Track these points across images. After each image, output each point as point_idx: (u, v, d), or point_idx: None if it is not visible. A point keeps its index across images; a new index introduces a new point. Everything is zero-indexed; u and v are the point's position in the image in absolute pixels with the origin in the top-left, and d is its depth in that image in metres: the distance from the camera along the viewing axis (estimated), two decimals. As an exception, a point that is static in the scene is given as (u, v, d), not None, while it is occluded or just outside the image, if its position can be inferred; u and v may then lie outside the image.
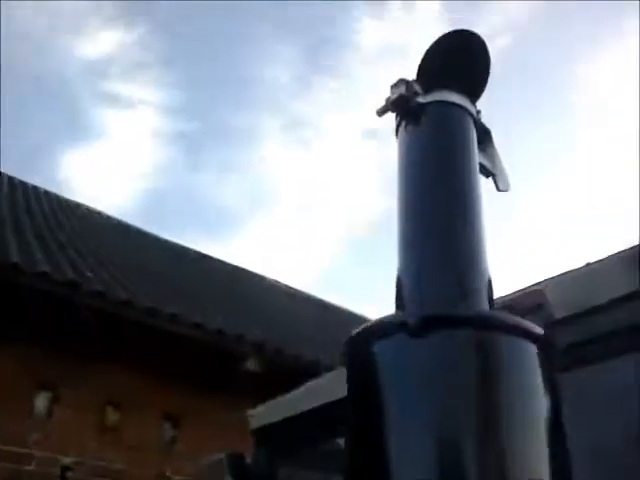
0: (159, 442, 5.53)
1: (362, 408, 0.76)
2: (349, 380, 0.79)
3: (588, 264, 1.69)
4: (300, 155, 21.04)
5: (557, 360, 0.80)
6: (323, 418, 2.03)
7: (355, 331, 0.78)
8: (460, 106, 0.99)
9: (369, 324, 0.78)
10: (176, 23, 17.74)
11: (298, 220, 23.23)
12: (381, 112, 1.03)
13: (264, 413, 2.55)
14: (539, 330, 0.75)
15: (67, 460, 4.95)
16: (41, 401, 4.96)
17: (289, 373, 5.74)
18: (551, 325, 1.62)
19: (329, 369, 5.62)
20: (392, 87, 1.01)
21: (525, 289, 1.80)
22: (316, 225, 22.97)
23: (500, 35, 16.19)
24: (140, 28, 19.29)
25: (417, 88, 1.00)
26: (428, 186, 0.95)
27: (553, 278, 1.74)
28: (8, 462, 4.64)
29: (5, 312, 4.69)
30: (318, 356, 6.11)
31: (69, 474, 4.92)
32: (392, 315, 0.79)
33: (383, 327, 0.76)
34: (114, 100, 20.14)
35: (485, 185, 1.07)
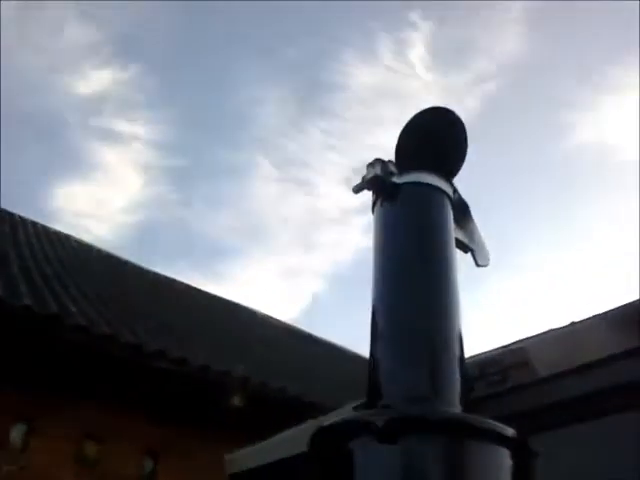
0: (138, 476, 5.46)
1: None
2: (316, 477, 0.77)
3: (573, 323, 1.69)
4: (290, 192, 21.20)
5: (533, 462, 0.77)
6: (301, 467, 2.02)
7: (323, 425, 0.77)
8: (435, 187, 1.02)
9: (337, 421, 0.77)
10: (169, 63, 18.04)
11: (287, 255, 23.27)
12: (357, 190, 1.06)
13: (242, 458, 2.52)
14: (512, 433, 0.72)
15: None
16: (16, 433, 4.91)
17: (273, 408, 5.72)
18: (535, 383, 1.63)
19: (313, 405, 5.61)
20: (368, 166, 1.05)
21: (508, 346, 1.81)
22: (304, 261, 23.01)
23: (487, 80, 16.52)
24: (134, 67, 19.56)
25: (392, 168, 1.03)
26: (403, 267, 0.96)
27: (537, 336, 1.74)
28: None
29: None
30: (302, 391, 6.09)
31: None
32: (360, 414, 0.79)
33: (350, 427, 0.74)
34: (107, 136, 20.32)
35: (464, 259, 1.10)
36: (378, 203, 1.06)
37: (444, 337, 0.84)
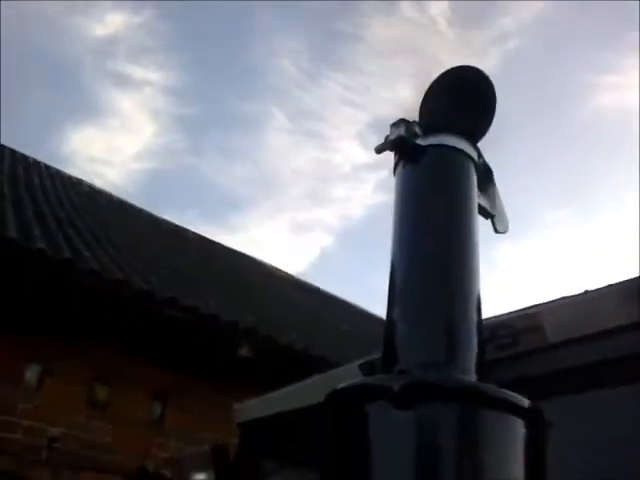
0: (147, 419, 5.61)
1: (343, 474, 0.75)
2: (331, 439, 0.78)
3: (587, 291, 1.68)
4: (303, 145, 21.03)
5: (547, 432, 0.78)
6: (312, 418, 2.05)
7: (338, 388, 0.77)
8: (460, 150, 0.98)
9: (353, 384, 0.77)
10: (183, 8, 17.69)
11: (298, 209, 23.24)
12: (379, 150, 1.03)
13: (251, 407, 2.56)
14: (527, 404, 0.73)
15: (55, 431, 5.02)
16: (32, 373, 5.03)
17: (280, 359, 5.82)
18: (546, 348, 1.64)
19: (320, 359, 5.69)
20: (392, 126, 1.00)
21: (522, 311, 1.81)
22: (314, 215, 23.00)
23: (509, 37, 16.10)
24: (147, 11, 19.26)
25: (417, 130, 0.99)
26: (424, 230, 0.94)
27: (551, 302, 1.73)
28: (-5, 429, 4.72)
29: (0, 286, 4.75)
30: (309, 344, 6.18)
31: (56, 445, 5.00)
32: (376, 378, 0.78)
33: (366, 390, 0.74)
34: (120, 80, 20.17)
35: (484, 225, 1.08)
36: (400, 165, 1.03)
37: (463, 301, 0.83)
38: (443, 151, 0.99)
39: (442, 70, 1.16)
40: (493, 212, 1.10)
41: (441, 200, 0.96)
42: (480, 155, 1.06)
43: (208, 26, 18.69)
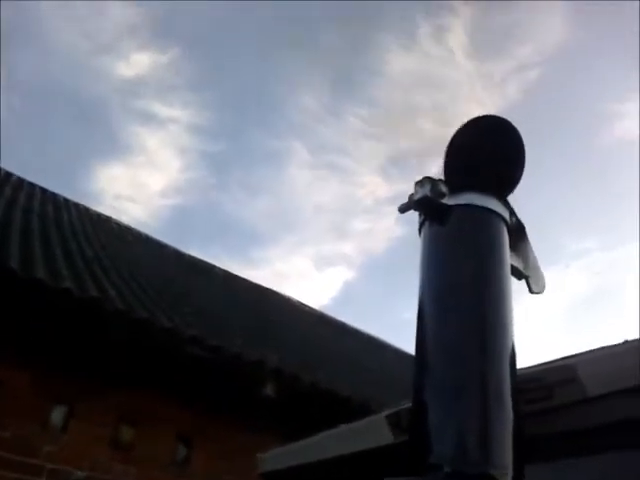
0: (172, 461, 5.54)
1: None
2: None
3: (626, 341, 1.61)
4: (325, 179, 21.17)
5: None
6: (336, 470, 1.99)
7: None
8: (489, 210, 0.94)
9: None
10: (207, 47, 18.12)
11: (321, 242, 23.29)
12: (403, 210, 0.99)
13: (275, 457, 2.51)
14: None
15: (79, 474, 4.98)
16: (57, 415, 5.02)
17: (305, 399, 5.74)
18: (584, 401, 1.55)
19: (346, 400, 5.59)
20: (416, 184, 0.97)
21: (554, 362, 1.73)
22: (338, 249, 23.01)
23: (529, 68, 16.09)
24: (172, 50, 19.76)
25: (443, 189, 0.96)
26: (453, 299, 0.88)
27: (583, 354, 1.66)
28: (20, 473, 4.69)
29: (26, 325, 4.78)
30: (334, 384, 6.08)
31: (81, 488, 4.95)
32: None
33: None
34: (146, 118, 20.64)
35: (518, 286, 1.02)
36: (426, 225, 0.99)
37: (499, 383, 0.76)
38: (471, 211, 0.95)
39: (470, 114, 1.11)
40: (527, 272, 1.04)
41: (470, 265, 0.91)
42: (512, 212, 1.01)
43: (231, 64, 19.08)
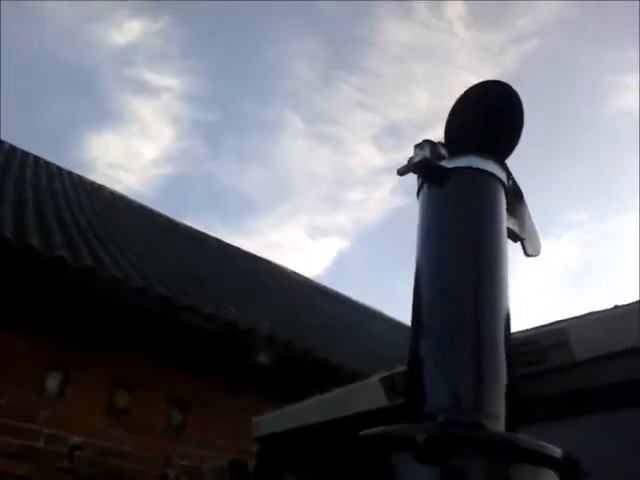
0: (167, 427, 5.61)
1: None
2: None
3: (616, 306, 1.63)
4: (319, 149, 21.06)
5: None
6: (331, 433, 2.03)
7: (363, 434, 0.73)
8: (487, 172, 0.95)
9: (378, 432, 0.73)
10: (199, 14, 17.82)
11: (315, 213, 23.28)
12: (402, 172, 0.99)
13: (270, 421, 2.54)
14: (561, 454, 0.69)
15: (76, 439, 5.04)
16: (52, 381, 5.06)
17: (298, 367, 5.80)
18: (574, 365, 1.58)
19: (338, 367, 5.66)
20: (416, 147, 0.97)
21: (546, 326, 1.75)
22: (332, 219, 23.01)
23: (527, 38, 15.93)
24: (164, 18, 19.44)
25: (442, 151, 0.95)
26: (450, 258, 0.89)
27: (576, 318, 1.68)
28: (17, 438, 4.74)
29: (21, 293, 4.79)
30: (327, 352, 6.15)
31: (77, 453, 5.02)
32: (402, 427, 0.73)
33: (392, 441, 0.70)
34: (138, 87, 20.41)
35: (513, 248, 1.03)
36: (425, 187, 0.99)
37: (493, 337, 0.78)
38: (470, 174, 0.95)
39: (466, 84, 1.12)
40: (523, 235, 1.05)
41: (468, 226, 0.92)
42: (509, 176, 1.02)
43: (224, 32, 18.82)
